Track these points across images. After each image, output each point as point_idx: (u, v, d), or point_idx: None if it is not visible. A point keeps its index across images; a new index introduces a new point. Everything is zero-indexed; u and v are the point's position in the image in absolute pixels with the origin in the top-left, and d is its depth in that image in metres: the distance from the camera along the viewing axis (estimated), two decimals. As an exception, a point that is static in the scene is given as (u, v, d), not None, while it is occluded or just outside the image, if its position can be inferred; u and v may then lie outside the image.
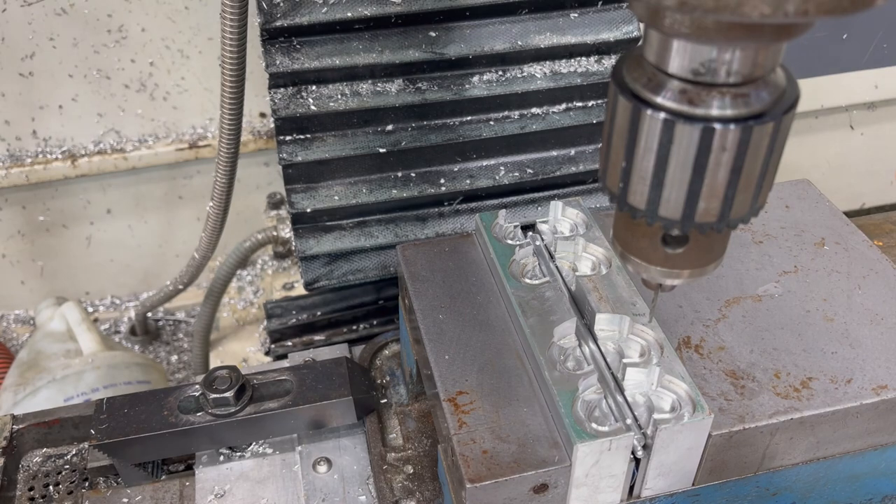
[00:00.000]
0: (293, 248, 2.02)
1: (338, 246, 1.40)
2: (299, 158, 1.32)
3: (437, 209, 1.43)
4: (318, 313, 1.66)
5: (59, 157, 2.15)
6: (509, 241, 1.11)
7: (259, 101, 2.21)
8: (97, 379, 1.97)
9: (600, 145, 0.73)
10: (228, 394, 1.11)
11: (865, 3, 0.50)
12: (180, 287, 1.97)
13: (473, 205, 1.44)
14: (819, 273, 1.11)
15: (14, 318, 2.48)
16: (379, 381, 1.28)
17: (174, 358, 2.47)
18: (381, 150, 1.34)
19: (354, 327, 1.66)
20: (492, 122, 1.39)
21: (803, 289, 1.09)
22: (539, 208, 1.17)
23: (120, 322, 2.52)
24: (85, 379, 1.95)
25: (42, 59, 2.01)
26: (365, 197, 1.37)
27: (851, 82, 2.01)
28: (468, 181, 1.40)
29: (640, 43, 0.64)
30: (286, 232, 1.94)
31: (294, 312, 1.68)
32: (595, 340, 0.98)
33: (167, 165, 2.25)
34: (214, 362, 2.01)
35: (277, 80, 1.30)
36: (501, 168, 1.41)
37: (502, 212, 1.15)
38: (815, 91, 2.01)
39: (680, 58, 0.59)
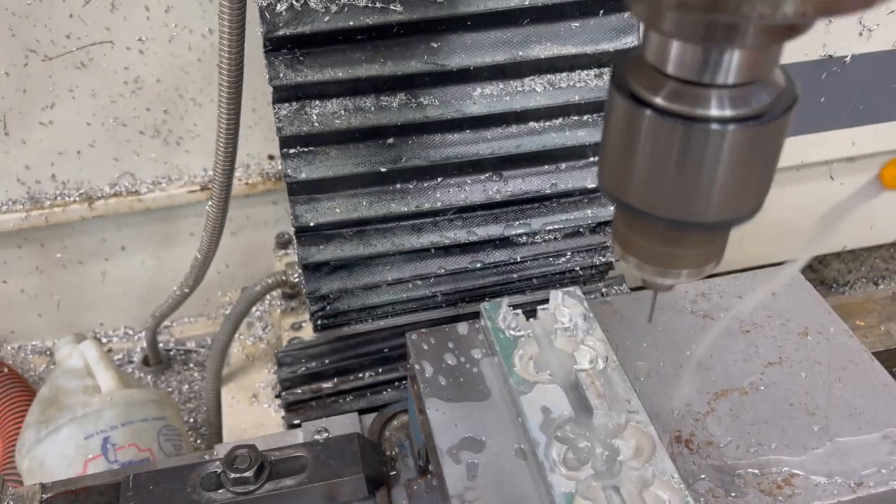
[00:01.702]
0: (301, 289, 2.09)
1: (338, 254, 1.46)
2: (303, 175, 1.37)
3: (431, 220, 1.47)
4: (327, 361, 1.74)
5: (77, 199, 2.22)
6: (512, 332, 1.19)
7: (268, 144, 2.28)
8: (115, 417, 2.05)
9: (600, 146, 0.73)
10: (248, 473, 1.19)
11: (865, 3, 0.49)
12: (186, 290, 2.00)
13: (467, 216, 1.48)
14: (802, 364, 1.19)
15: (31, 349, 2.56)
16: (388, 453, 1.35)
17: (185, 388, 2.55)
18: (383, 170, 1.39)
19: (361, 375, 1.74)
20: (489, 137, 1.42)
21: (787, 381, 1.16)
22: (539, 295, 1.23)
23: (133, 352, 2.60)
24: (104, 417, 2.03)
25: (62, 109, 2.08)
26: (365, 210, 1.43)
27: (830, 139, 2.10)
28: (463, 196, 1.44)
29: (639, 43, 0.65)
30: (295, 277, 2.02)
31: (304, 361, 1.75)
32: (593, 437, 1.05)
33: (179, 206, 2.32)
34: (226, 398, 2.08)
35: (281, 94, 1.32)
36: (495, 184, 1.45)
37: (505, 301, 1.22)
38: (796, 148, 2.09)
39: (678, 58, 0.60)
